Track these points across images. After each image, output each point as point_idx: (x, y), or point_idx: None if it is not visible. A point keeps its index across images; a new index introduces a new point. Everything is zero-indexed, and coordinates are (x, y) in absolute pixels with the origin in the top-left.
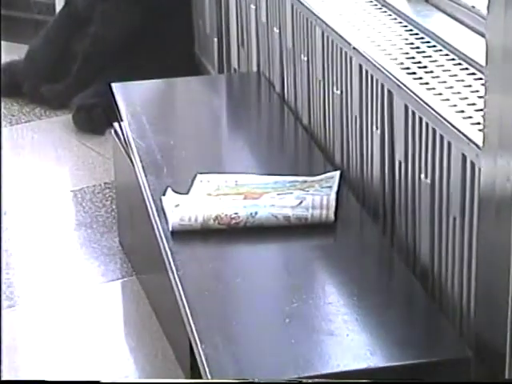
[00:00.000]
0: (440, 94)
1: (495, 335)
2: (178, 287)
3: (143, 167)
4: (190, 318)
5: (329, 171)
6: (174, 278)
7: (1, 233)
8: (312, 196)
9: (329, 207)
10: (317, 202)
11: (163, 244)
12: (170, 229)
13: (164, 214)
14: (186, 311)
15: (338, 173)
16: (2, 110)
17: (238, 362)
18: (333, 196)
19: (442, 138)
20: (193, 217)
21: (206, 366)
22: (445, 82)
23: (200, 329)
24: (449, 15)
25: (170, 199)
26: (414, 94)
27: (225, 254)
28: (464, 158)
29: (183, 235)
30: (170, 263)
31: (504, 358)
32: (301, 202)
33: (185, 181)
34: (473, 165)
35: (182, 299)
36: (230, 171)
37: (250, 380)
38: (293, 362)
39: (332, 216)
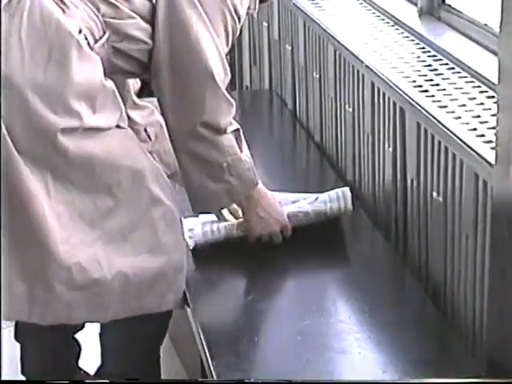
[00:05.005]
0: (452, 111)
1: (508, 354)
2: (189, 304)
3: None
4: (202, 335)
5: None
6: (186, 295)
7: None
8: (327, 192)
9: (346, 199)
10: (333, 196)
11: None
12: (193, 244)
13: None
14: (197, 328)
15: (347, 189)
16: None
17: (248, 380)
18: (347, 189)
19: (454, 155)
20: (215, 230)
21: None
22: (457, 99)
23: (211, 346)
24: (461, 33)
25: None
26: (426, 111)
27: (235, 271)
28: (476, 176)
29: (193, 251)
30: None
31: None
32: (317, 198)
33: None
34: (485, 183)
35: (193, 316)
36: None
37: (251, 380)
38: (304, 380)
39: (350, 207)
